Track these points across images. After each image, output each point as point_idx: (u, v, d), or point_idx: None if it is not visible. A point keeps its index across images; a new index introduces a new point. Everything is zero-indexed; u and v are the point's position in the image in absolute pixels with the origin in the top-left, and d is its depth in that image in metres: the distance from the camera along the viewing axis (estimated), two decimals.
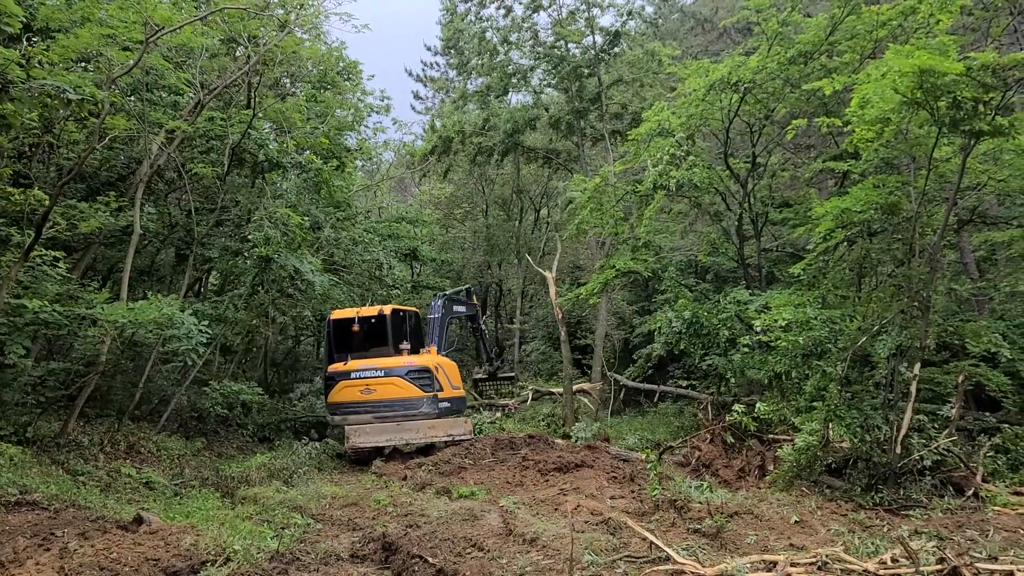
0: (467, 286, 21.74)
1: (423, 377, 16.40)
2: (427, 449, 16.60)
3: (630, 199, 19.35)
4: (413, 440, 16.37)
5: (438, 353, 17.95)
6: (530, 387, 24.41)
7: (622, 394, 26.45)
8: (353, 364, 16.52)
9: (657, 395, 24.52)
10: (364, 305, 19.45)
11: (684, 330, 16.72)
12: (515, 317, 34.22)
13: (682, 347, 17.00)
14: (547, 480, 12.85)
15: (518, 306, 33.50)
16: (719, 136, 19.47)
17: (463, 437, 16.46)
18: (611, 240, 25.91)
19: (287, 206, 17.68)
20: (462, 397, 18.19)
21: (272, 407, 19.75)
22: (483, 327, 21.45)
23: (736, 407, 12.78)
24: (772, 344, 14.10)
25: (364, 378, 16.30)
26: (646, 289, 35.91)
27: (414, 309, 18.53)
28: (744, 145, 22.66)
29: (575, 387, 22.39)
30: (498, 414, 21.42)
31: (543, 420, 22.11)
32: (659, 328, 17.18)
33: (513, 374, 24.46)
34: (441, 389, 16.70)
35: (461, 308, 19.97)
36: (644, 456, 12.23)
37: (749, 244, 19.76)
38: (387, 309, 17.16)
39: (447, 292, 19.18)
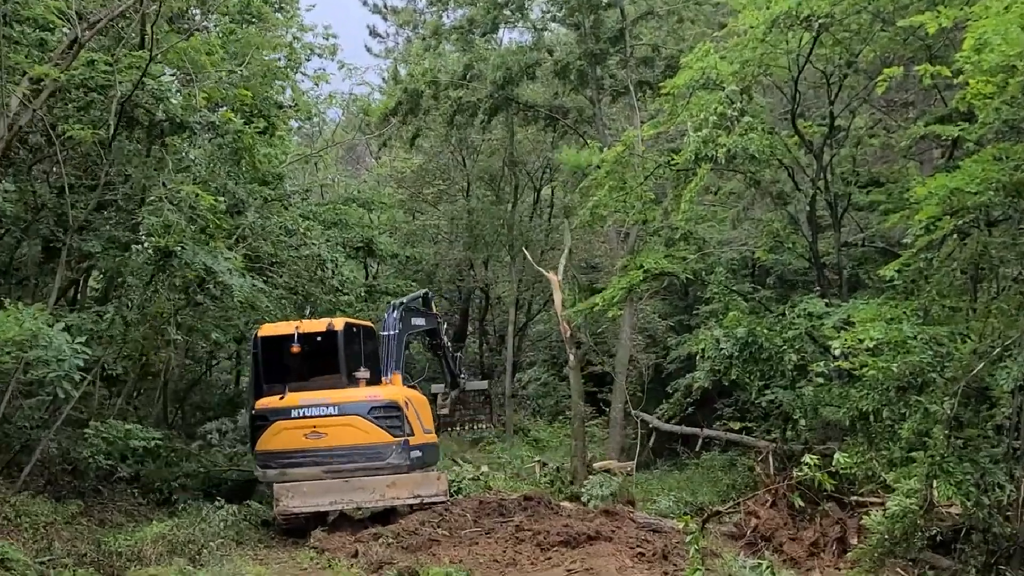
0: (424, 291, 21.89)
1: (391, 416, 16.50)
2: (386, 515, 16.60)
3: (664, 175, 19.42)
4: (367, 503, 16.37)
5: (403, 383, 18.00)
6: (536, 458, 24.55)
7: (652, 440, 26.51)
8: (294, 398, 16.54)
9: (700, 442, 24.58)
10: (303, 317, 19.44)
11: (737, 353, 16.79)
12: (507, 335, 34.26)
13: (734, 376, 17.06)
14: (549, 558, 12.88)
15: (511, 319, 33.56)
16: (784, 90, 19.57)
17: (435, 499, 16.48)
18: (638, 230, 26.01)
19: (195, 182, 17.63)
20: (435, 444, 18.21)
21: (175, 456, 19.70)
22: (446, 342, 21.64)
23: (807, 458, 12.83)
24: (856, 373, 14.13)
25: (310, 417, 16.37)
26: (685, 297, 36.00)
27: (369, 324, 18.55)
28: (818, 102, 22.79)
29: (601, 465, 22.68)
30: (482, 469, 21.44)
31: (544, 475, 22.17)
32: (702, 351, 17.25)
33: (484, 385, 24.61)
34: (412, 433, 16.75)
35: (420, 321, 20.13)
36: (682, 525, 12.23)
37: (825, 236, 19.87)
38: (338, 323, 17.21)
39: (403, 300, 19.33)
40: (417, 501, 16.44)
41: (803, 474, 12.62)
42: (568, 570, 12.16)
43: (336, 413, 16.35)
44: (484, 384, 24.79)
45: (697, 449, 24.63)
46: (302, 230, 21.23)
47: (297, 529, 16.20)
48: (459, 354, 23.49)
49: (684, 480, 23.08)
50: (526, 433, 31.80)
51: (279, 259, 22.38)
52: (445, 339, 21.82)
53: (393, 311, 18.69)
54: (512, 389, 33.04)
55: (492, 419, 24.57)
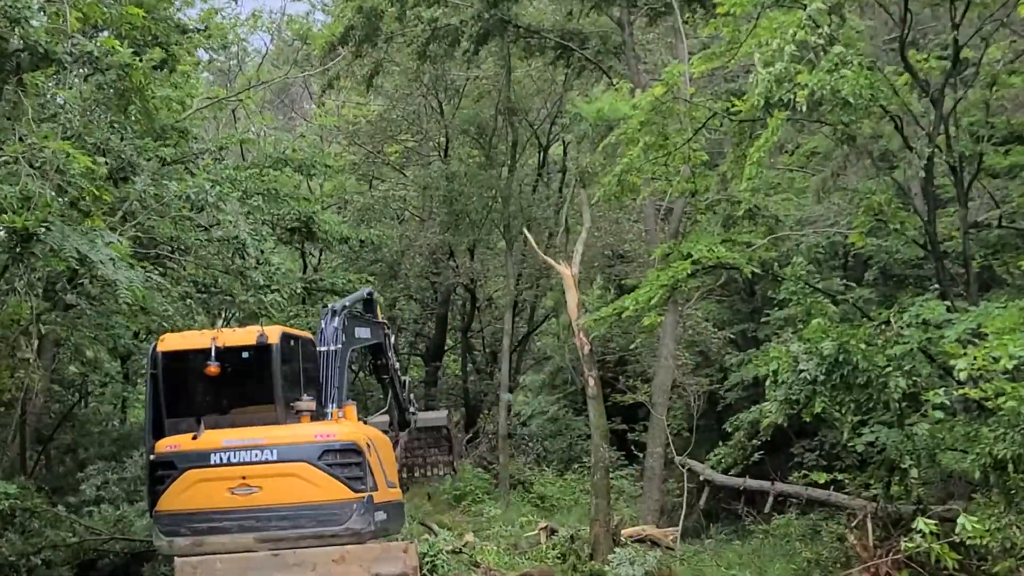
0: (367, 290, 21.89)
1: (350, 463, 16.43)
2: None
3: (720, 128, 19.30)
4: None
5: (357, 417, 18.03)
6: (541, 523, 24.56)
7: (704, 498, 26.45)
8: (213, 438, 16.40)
9: (770, 501, 24.52)
10: (216, 325, 19.47)
11: (822, 377, 16.74)
12: (500, 351, 34.28)
13: (818, 410, 17.01)
14: None
15: (507, 330, 33.57)
16: (890, 8, 19.47)
17: None
18: (684, 205, 26.06)
19: (65, 138, 17.57)
20: (400, 504, 18.17)
21: (35, 520, 19.61)
22: (394, 362, 21.63)
23: (920, 523, 12.81)
24: (988, 405, 14.10)
25: (237, 464, 16.20)
26: (750, 299, 35.88)
27: (309, 335, 18.52)
28: (938, 25, 22.73)
29: (632, 532, 22.67)
30: (466, 538, 21.41)
31: (552, 546, 22.22)
32: (774, 373, 17.25)
33: (442, 418, 24.60)
34: (376, 487, 16.71)
35: (364, 332, 20.11)
36: None
37: (946, 214, 19.77)
38: (272, 333, 17.12)
39: (346, 303, 19.34)
40: None
41: (915, 545, 12.59)
42: None
43: (275, 459, 16.16)
44: (441, 417, 24.69)
45: (766, 510, 24.55)
46: (214, 202, 21.14)
47: None
48: (406, 378, 23.49)
49: (749, 554, 23.07)
50: (528, 487, 31.86)
51: (182, 244, 22.29)
52: (393, 357, 21.81)
53: (333, 318, 18.60)
54: (508, 426, 32.98)
55: (453, 462, 24.64)
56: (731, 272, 22.93)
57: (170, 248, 22.33)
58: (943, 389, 15.62)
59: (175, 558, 16.40)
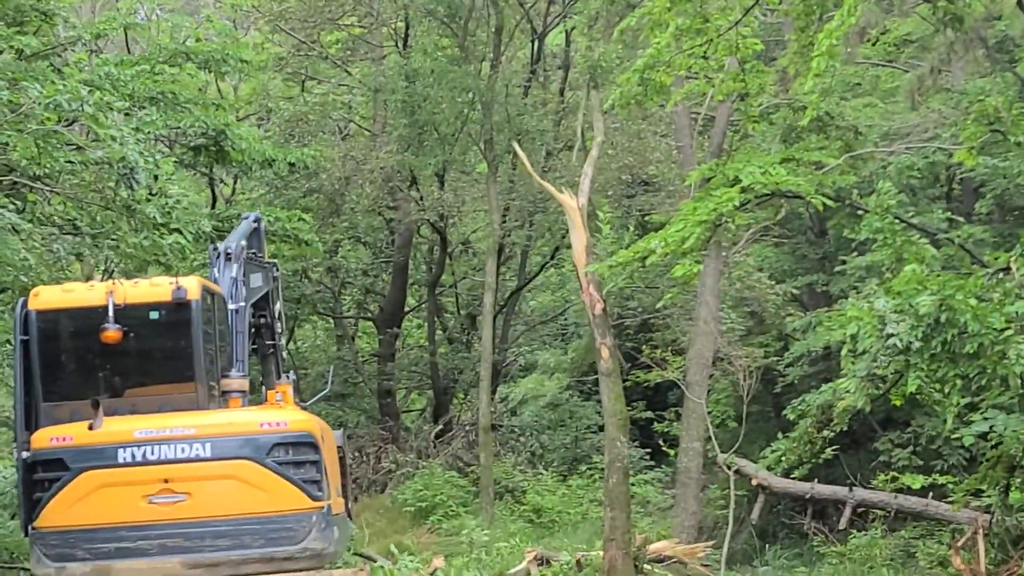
0: (255, 216, 21.90)
1: (305, 461, 16.55)
2: None
3: (779, 3, 19.22)
4: None
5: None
6: (531, 550, 24.65)
7: (759, 508, 26.42)
8: (121, 427, 16.42)
9: (847, 512, 24.55)
10: (96, 279, 19.47)
11: (918, 345, 16.84)
12: (482, 312, 34.35)
13: (911, 388, 17.05)
14: None
15: (489, 284, 33.56)
16: None
17: None
18: (730, 113, 26.07)
19: None
20: (347, 517, 18.38)
21: None
22: (280, 316, 21.61)
23: None
24: None
25: (154, 462, 16.12)
26: (820, 240, 35.63)
27: (220, 290, 18.59)
28: None
29: (660, 548, 22.87)
30: (435, 563, 21.50)
31: (556, 572, 22.38)
32: (852, 340, 17.35)
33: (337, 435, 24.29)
34: (329, 495, 16.91)
35: (258, 278, 20.20)
36: None
37: None
38: (192, 286, 17.08)
39: (242, 243, 19.39)
40: None
41: None
42: None
43: (208, 455, 16.09)
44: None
45: (842, 526, 24.64)
46: (91, 112, 21.09)
47: None
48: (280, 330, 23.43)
49: None
50: (518, 496, 32.02)
51: (48, 169, 22.18)
52: (280, 310, 21.82)
53: (228, 263, 18.74)
54: (492, 415, 33.10)
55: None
56: (794, 204, 22.86)
57: (30, 176, 22.17)
58: None
59: None
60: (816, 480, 25.22)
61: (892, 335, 16.99)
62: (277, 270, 21.65)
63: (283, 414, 16.97)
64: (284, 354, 21.75)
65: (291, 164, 32.29)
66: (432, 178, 37.85)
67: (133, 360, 17.18)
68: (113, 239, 22.72)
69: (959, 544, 18.86)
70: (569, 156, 29.39)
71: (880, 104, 26.81)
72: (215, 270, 18.68)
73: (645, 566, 22.00)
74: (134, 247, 22.49)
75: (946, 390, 17.10)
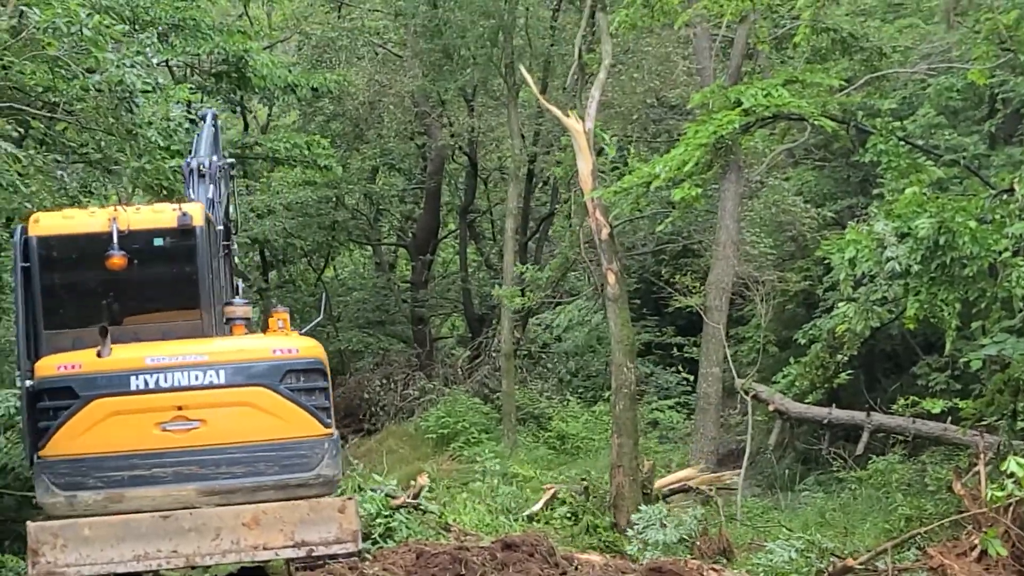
0: (211, 113, 21.68)
1: (315, 387, 16.70)
2: (244, 574, 17.04)
3: None
4: (205, 559, 16.34)
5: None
6: (548, 484, 24.38)
7: (776, 434, 26.30)
8: (132, 354, 16.41)
9: (864, 437, 24.40)
10: (89, 206, 19.39)
11: (917, 268, 16.74)
12: (504, 238, 34.15)
13: (911, 311, 16.86)
14: None
15: (509, 209, 33.38)
16: None
17: (336, 548, 16.53)
18: (745, 32, 25.70)
19: None
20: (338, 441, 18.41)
21: None
22: (233, 236, 21.42)
23: (1013, 463, 12.77)
24: None
25: (168, 390, 16.20)
26: (860, 163, 34.93)
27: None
28: None
29: (671, 481, 22.69)
30: (420, 480, 21.37)
31: (561, 499, 22.40)
32: (850, 264, 17.08)
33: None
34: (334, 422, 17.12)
35: (222, 189, 20.19)
36: None
37: None
38: (196, 211, 17.11)
39: (214, 159, 19.24)
40: (303, 553, 16.43)
41: (1005, 494, 12.56)
42: None
43: (222, 382, 16.18)
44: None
45: (859, 451, 24.52)
46: (91, 37, 20.95)
47: None
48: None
49: (836, 508, 23.09)
50: (543, 423, 31.99)
51: (63, 97, 22.04)
52: (234, 214, 21.66)
53: (203, 182, 18.63)
54: (516, 341, 33.01)
55: None
56: (840, 127, 22.53)
57: (39, 104, 22.07)
58: None
59: (28, 522, 16.49)
60: (833, 403, 24.88)
61: (891, 258, 16.78)
62: (233, 168, 21.51)
63: (294, 341, 16.91)
64: (235, 260, 21.58)
65: (314, 89, 32.17)
66: (461, 104, 37.63)
67: (136, 287, 17.13)
68: (115, 164, 22.68)
69: (962, 469, 18.44)
70: (578, 77, 28.77)
71: (923, 25, 26.36)
72: (189, 190, 18.61)
73: (653, 493, 21.88)
74: (139, 171, 22.45)
75: (947, 313, 16.88)
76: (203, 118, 21.14)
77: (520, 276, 33.10)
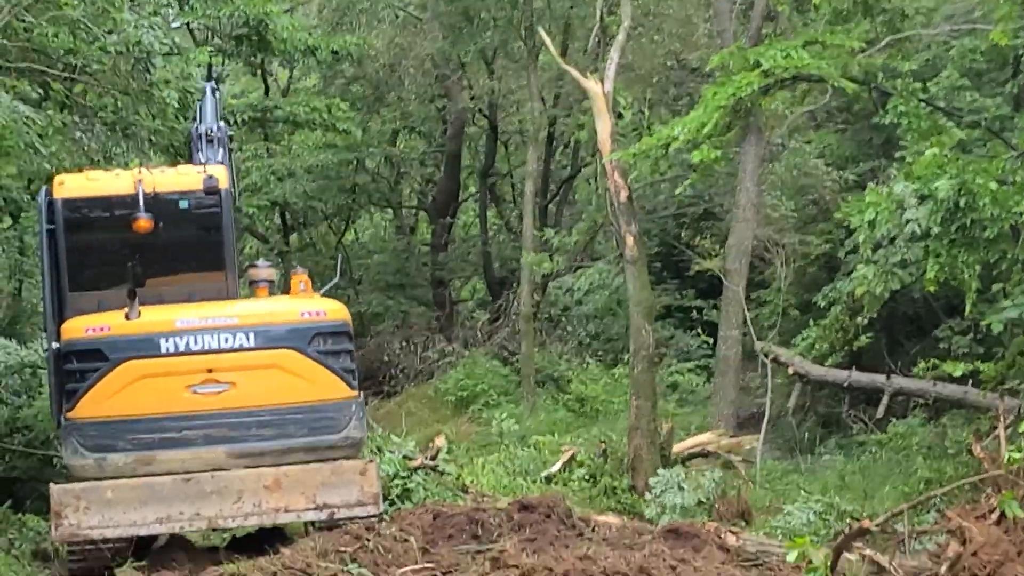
0: (208, 83, 21.65)
1: (342, 350, 16.88)
2: (260, 539, 16.93)
3: None
4: (224, 522, 16.66)
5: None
6: (567, 445, 24.30)
7: (795, 397, 26.27)
8: (162, 316, 16.62)
9: (884, 400, 24.34)
10: (101, 166, 19.43)
11: (937, 230, 16.69)
12: (524, 200, 34.06)
13: (931, 274, 16.81)
14: None
15: (530, 172, 33.32)
16: None
17: (358, 510, 16.69)
18: None
19: None
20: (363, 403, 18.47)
21: None
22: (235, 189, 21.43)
23: None
24: None
25: (198, 352, 16.43)
26: (882, 125, 34.80)
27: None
28: None
29: (689, 445, 22.85)
30: (437, 442, 21.34)
31: (580, 461, 22.44)
32: (869, 226, 17.11)
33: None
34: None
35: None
36: (795, 556, 12.20)
37: None
38: (221, 174, 17.34)
39: (221, 125, 19.23)
40: (324, 516, 16.61)
41: (1021, 456, 12.49)
42: None
43: (252, 345, 16.44)
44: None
45: (879, 414, 24.45)
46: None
47: (97, 568, 16.32)
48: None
49: (855, 472, 23.04)
50: (563, 384, 32.00)
51: (84, 60, 22.01)
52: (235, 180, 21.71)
53: (212, 148, 18.69)
54: (535, 304, 32.98)
55: None
56: (861, 88, 22.40)
57: (60, 67, 22.07)
58: None
59: (51, 484, 16.56)
60: (854, 365, 24.82)
61: (910, 220, 16.73)
62: (231, 140, 21.61)
63: (321, 303, 17.19)
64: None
65: (334, 52, 32.11)
66: (481, 66, 37.55)
67: (161, 250, 17.39)
68: (132, 127, 22.70)
69: (982, 433, 18.38)
70: (599, 38, 28.70)
71: None
72: (199, 154, 18.67)
73: (672, 456, 21.86)
74: (157, 132, 22.45)
75: (967, 275, 16.84)
76: (208, 86, 21.52)
77: (546, 241, 33.13)
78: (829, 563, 12.65)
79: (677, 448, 22.57)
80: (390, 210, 46.86)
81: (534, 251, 32.28)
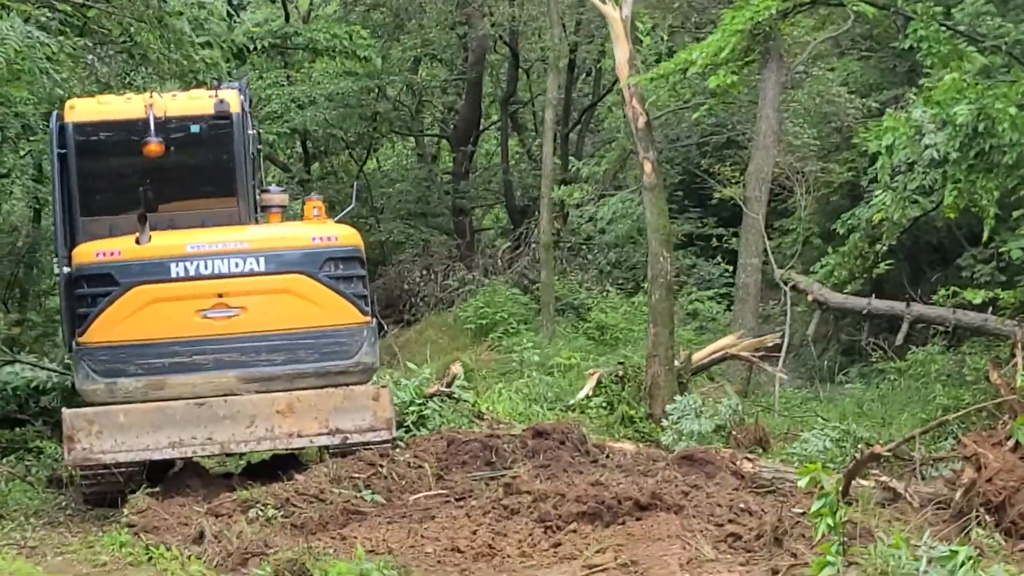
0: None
1: (353, 276, 16.96)
2: (273, 466, 17.19)
3: None
4: (236, 447, 16.80)
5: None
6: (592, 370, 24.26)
7: (814, 324, 26.20)
8: (172, 241, 16.68)
9: (903, 328, 24.28)
10: (119, 90, 19.44)
11: (955, 155, 16.55)
12: (544, 128, 33.91)
13: (949, 200, 16.72)
14: (558, 545, 12.98)
15: (550, 100, 33.09)
16: None
17: (371, 436, 16.75)
18: None
19: None
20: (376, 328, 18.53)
21: None
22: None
23: None
24: None
25: (208, 277, 16.49)
26: (906, 52, 34.56)
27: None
28: None
29: (709, 352, 22.80)
30: (452, 369, 21.35)
31: (597, 392, 22.42)
32: (887, 151, 16.94)
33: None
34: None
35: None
36: (806, 482, 12.16)
37: None
38: (233, 98, 17.34)
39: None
40: (337, 441, 16.68)
41: None
42: (590, 566, 12.12)
43: (262, 270, 16.51)
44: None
45: (898, 342, 24.38)
46: None
47: (107, 492, 16.53)
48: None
49: (874, 400, 22.99)
50: (582, 314, 32.04)
51: None
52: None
53: (239, 95, 18.55)
54: (555, 232, 32.92)
55: None
56: (882, 13, 22.16)
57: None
58: None
59: (64, 409, 16.64)
60: (875, 293, 24.76)
61: (929, 145, 16.61)
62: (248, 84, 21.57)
63: (332, 228, 17.29)
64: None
65: None
66: None
67: (173, 174, 17.48)
68: (142, 54, 22.70)
69: (1003, 361, 18.33)
70: None
71: None
72: (240, 97, 18.51)
73: (688, 382, 21.87)
74: (170, 60, 22.42)
75: (985, 201, 16.72)
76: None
77: (576, 171, 33.01)
78: (840, 488, 12.65)
79: (698, 356, 22.58)
80: (411, 138, 46.77)
81: (555, 180, 32.16)
